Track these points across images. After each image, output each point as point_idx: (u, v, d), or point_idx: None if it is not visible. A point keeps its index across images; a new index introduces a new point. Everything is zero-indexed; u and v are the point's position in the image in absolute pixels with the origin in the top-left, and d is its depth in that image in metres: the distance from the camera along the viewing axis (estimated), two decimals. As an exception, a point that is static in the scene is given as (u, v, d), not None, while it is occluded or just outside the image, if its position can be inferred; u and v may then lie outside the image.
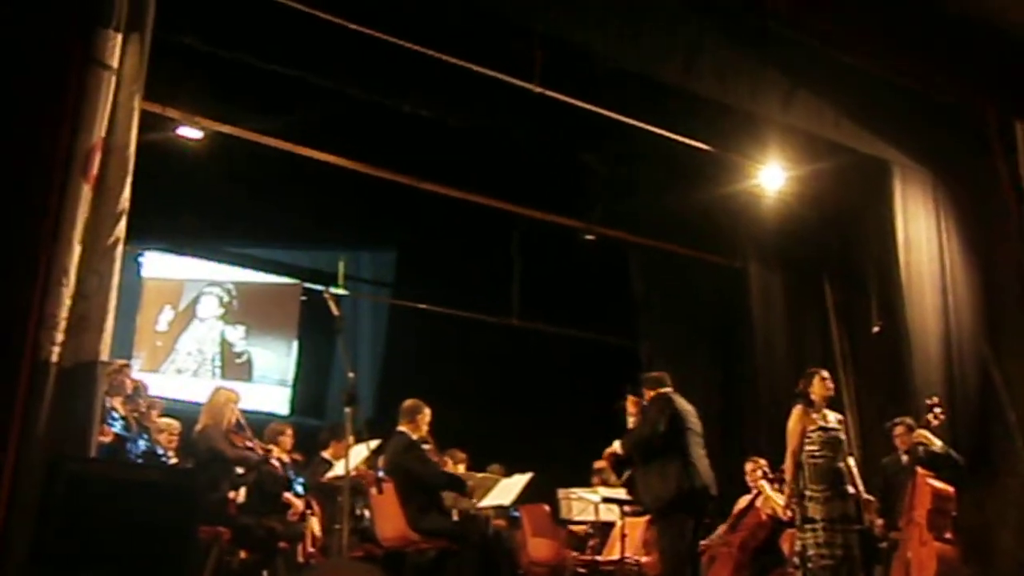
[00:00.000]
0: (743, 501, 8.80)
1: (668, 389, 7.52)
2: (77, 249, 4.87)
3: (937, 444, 8.05)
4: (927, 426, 8.03)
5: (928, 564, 7.58)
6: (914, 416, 8.33)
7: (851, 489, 7.42)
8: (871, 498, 7.88)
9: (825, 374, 7.58)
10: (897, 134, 9.52)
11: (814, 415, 7.40)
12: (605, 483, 9.34)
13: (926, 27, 8.76)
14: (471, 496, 8.16)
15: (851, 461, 7.71)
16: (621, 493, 8.22)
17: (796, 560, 7.36)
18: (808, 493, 7.23)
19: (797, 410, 7.47)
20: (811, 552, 7.12)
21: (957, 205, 9.90)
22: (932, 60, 9.12)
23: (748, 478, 8.89)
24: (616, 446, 7.53)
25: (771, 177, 10.06)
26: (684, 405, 7.43)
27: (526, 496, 8.37)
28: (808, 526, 7.19)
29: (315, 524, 8.17)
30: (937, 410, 8.05)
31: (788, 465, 7.46)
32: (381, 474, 7.40)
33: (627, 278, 12.62)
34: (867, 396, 10.29)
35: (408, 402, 7.95)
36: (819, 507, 7.17)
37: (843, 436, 7.43)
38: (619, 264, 12.51)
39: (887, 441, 8.71)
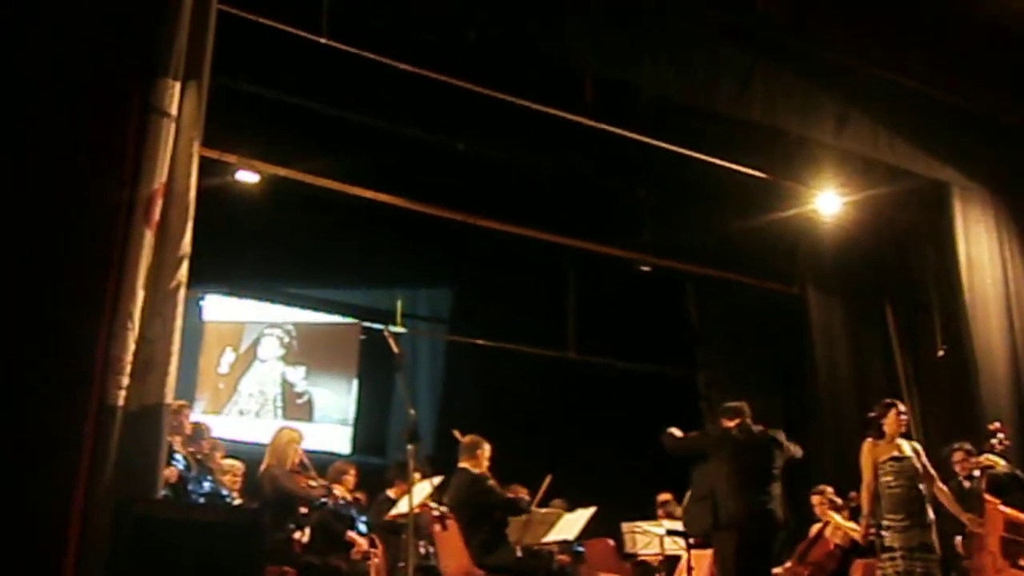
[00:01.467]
0: (813, 531, 8.66)
1: (738, 422, 7.46)
2: (141, 294, 4.94)
3: (1002, 464, 7.87)
4: (992, 451, 7.86)
5: (1006, 592, 7.41)
6: (980, 441, 8.15)
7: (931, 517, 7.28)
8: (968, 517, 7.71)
9: (903, 408, 7.42)
10: (955, 154, 9.43)
11: (885, 446, 7.28)
12: (670, 516, 9.26)
13: (984, 49, 8.71)
14: (528, 512, 8.07)
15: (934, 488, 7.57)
16: (686, 526, 8.14)
17: None
18: (885, 523, 7.11)
19: (867, 444, 7.36)
20: None
21: (1019, 222, 9.76)
22: (985, 77, 9.05)
23: (816, 510, 8.76)
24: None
25: (827, 202, 9.98)
26: (752, 440, 7.35)
27: (590, 531, 8.30)
28: (887, 555, 7.07)
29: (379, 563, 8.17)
30: (1001, 435, 7.88)
31: (864, 497, 7.34)
32: (444, 510, 7.39)
33: (684, 308, 12.56)
34: (933, 422, 10.12)
35: (468, 438, 7.95)
36: (897, 536, 7.03)
37: (918, 464, 7.27)
38: (675, 295, 12.46)
39: (948, 465, 8.54)
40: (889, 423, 7.30)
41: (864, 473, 7.30)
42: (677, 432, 7.62)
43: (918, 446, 7.49)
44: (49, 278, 4.68)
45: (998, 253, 9.63)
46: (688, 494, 7.84)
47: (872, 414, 7.44)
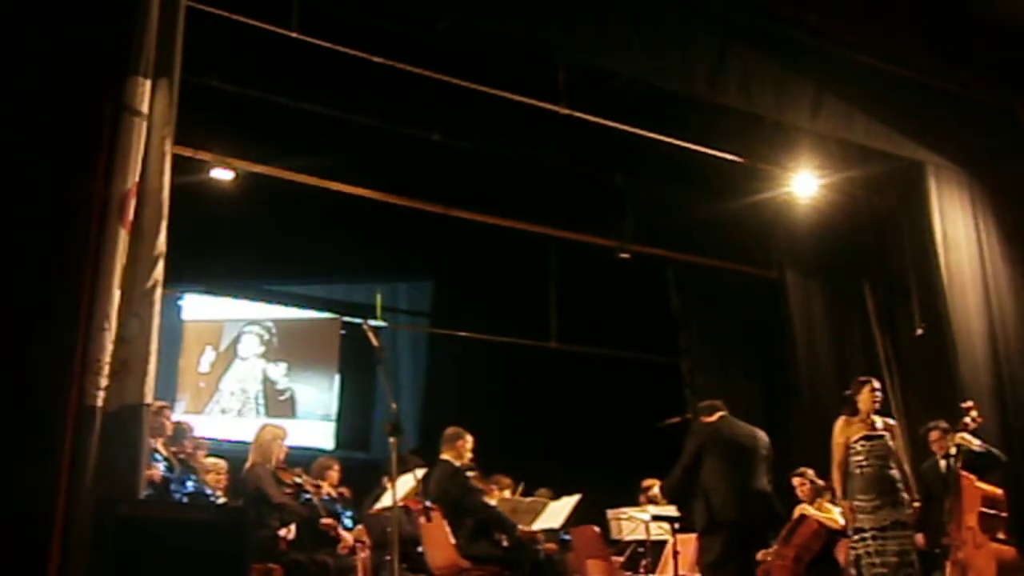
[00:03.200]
0: (796, 512, 8.71)
1: (721, 414, 7.50)
2: (117, 294, 4.93)
3: (976, 443, 7.93)
4: (965, 430, 7.91)
5: (987, 566, 7.47)
6: (955, 419, 8.19)
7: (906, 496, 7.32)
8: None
9: (876, 385, 7.45)
10: (929, 134, 9.47)
11: (858, 424, 7.31)
12: (652, 501, 9.29)
13: (954, 27, 8.75)
14: (516, 533, 8.07)
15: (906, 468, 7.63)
16: (671, 510, 8.17)
17: (852, 571, 7.26)
18: (856, 503, 7.15)
19: (840, 421, 7.41)
20: (864, 562, 7.03)
21: (994, 201, 9.84)
22: (960, 59, 9.10)
23: (798, 491, 8.81)
24: (656, 491, 7.72)
25: (803, 185, 10.01)
26: (734, 430, 7.39)
27: (575, 518, 8.32)
28: (857, 536, 7.11)
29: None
30: (974, 413, 7.93)
31: (835, 477, 7.38)
32: (428, 503, 7.39)
33: (664, 295, 12.58)
34: (914, 400, 10.17)
35: (449, 429, 7.96)
36: (867, 516, 7.07)
37: (891, 442, 7.30)
38: (656, 281, 12.48)
39: (925, 445, 8.59)
40: (863, 399, 7.34)
41: (835, 452, 7.34)
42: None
43: (892, 422, 7.51)
44: (23, 280, 4.65)
45: (974, 232, 9.68)
46: None
47: (847, 392, 7.49)
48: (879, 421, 7.36)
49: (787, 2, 8.50)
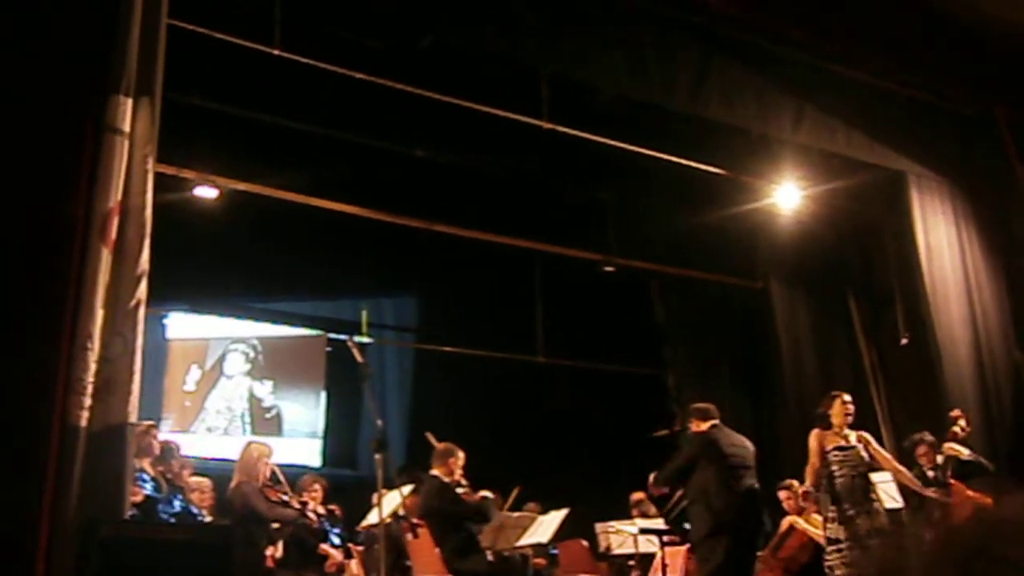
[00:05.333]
0: (785, 523, 8.71)
1: (714, 421, 7.56)
2: (100, 313, 4.90)
3: (964, 452, 7.94)
4: (955, 438, 7.91)
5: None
6: (943, 428, 8.20)
7: (892, 504, 7.32)
8: None
9: (847, 398, 7.48)
10: (910, 144, 9.52)
11: (832, 436, 7.33)
12: (644, 515, 9.28)
13: (931, 36, 8.81)
14: (492, 519, 8.04)
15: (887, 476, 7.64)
16: (659, 523, 8.17)
17: None
18: (829, 514, 7.16)
19: (814, 432, 7.42)
20: (838, 573, 7.01)
21: (976, 210, 9.88)
22: (939, 67, 9.15)
23: (784, 504, 8.82)
24: (651, 479, 7.75)
25: (787, 196, 10.05)
26: (728, 439, 7.46)
27: (564, 533, 8.30)
28: (832, 547, 7.10)
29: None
30: (963, 422, 7.94)
31: (811, 483, 7.39)
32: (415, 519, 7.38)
33: (649, 307, 12.59)
34: (900, 409, 10.19)
35: (441, 445, 7.94)
36: (840, 526, 7.07)
37: (864, 453, 7.30)
38: (640, 294, 12.49)
39: (912, 457, 8.60)
40: (836, 413, 7.37)
41: (811, 457, 7.34)
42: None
43: (867, 435, 7.51)
44: (5, 300, 4.62)
45: (956, 240, 9.72)
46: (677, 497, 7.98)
47: (819, 408, 7.50)
48: (853, 435, 7.38)
49: (768, 15, 8.53)
